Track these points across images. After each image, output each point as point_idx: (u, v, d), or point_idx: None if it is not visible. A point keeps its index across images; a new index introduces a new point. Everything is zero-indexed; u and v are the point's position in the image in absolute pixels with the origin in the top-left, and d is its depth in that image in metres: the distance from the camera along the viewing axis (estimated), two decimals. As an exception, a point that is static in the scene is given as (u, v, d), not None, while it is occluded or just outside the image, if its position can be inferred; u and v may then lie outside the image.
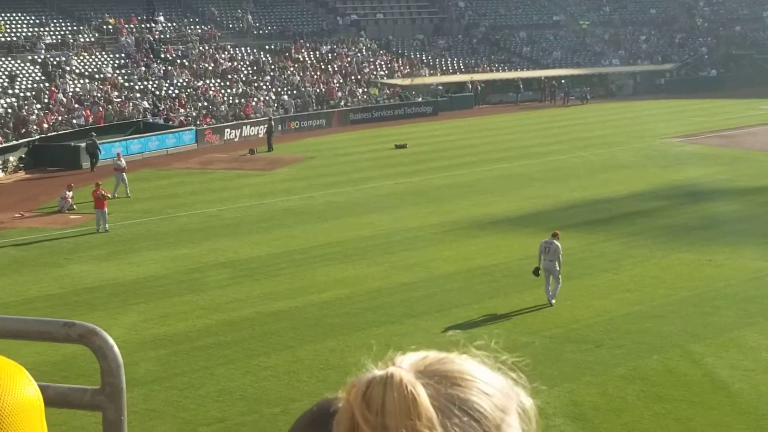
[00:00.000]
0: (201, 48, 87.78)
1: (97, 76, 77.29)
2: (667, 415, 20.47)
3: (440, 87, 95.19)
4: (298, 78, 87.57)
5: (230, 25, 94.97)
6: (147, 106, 73.75)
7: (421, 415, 1.66)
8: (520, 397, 1.79)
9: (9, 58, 74.23)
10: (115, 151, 58.80)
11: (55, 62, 76.37)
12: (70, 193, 46.35)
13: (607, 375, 22.83)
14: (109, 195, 42.21)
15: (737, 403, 21.11)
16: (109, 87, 75.24)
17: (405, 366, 1.76)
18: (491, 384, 1.75)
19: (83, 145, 60.83)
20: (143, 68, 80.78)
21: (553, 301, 28.79)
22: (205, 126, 72.18)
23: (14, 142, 61.02)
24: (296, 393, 22.11)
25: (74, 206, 45.97)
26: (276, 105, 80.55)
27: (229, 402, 21.88)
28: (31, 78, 73.04)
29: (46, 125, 65.53)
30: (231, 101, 79.30)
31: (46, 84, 72.43)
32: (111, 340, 2.46)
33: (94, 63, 79.40)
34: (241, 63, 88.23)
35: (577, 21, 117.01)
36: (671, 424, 20.02)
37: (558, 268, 28.89)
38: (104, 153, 59.92)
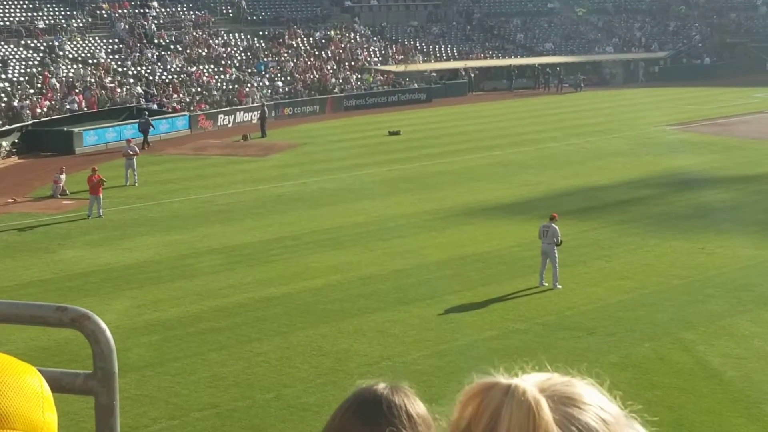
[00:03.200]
0: (194, 33, 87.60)
1: (90, 61, 77.12)
2: (659, 402, 20.49)
3: (434, 74, 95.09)
4: (292, 64, 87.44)
5: (224, 11, 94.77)
6: (140, 91, 73.62)
7: (540, 428, 1.70)
8: (635, 426, 1.88)
9: (2, 43, 74.02)
10: (107, 136, 58.81)
11: (48, 47, 76.17)
12: (62, 177, 46.26)
13: (599, 362, 22.79)
14: (106, 180, 42.00)
15: (729, 390, 21.15)
16: (103, 72, 75.08)
17: (529, 382, 1.78)
18: (609, 411, 1.81)
19: (136, 122, 63.31)
20: (137, 53, 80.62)
21: (559, 285, 28.84)
22: (199, 112, 72.08)
23: (7, 128, 60.89)
24: (289, 379, 22.13)
25: (67, 191, 45.89)
26: (270, 91, 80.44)
27: (222, 388, 21.89)
28: (24, 63, 72.83)
29: (39, 110, 65.37)
30: (224, 87, 79.18)
31: (39, 69, 72.24)
32: (103, 325, 2.45)
33: (87, 48, 79.23)
34: (235, 49, 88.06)
35: (572, 8, 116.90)
36: (663, 412, 20.03)
37: (556, 253, 28.99)
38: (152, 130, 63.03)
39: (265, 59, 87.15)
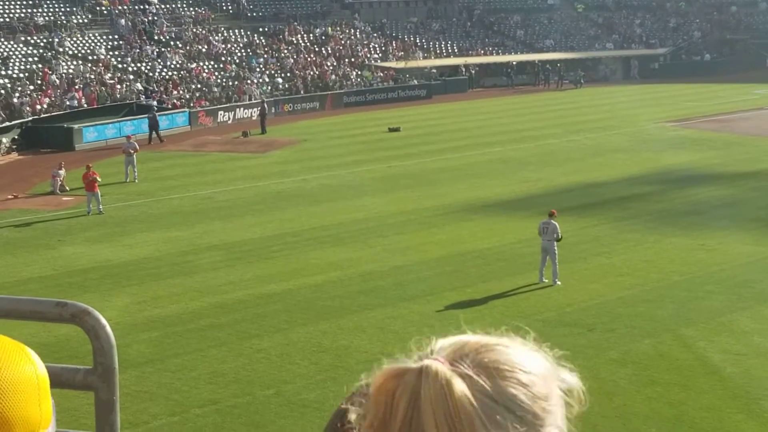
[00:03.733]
0: (194, 30, 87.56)
1: (90, 57, 77.09)
2: (659, 398, 20.51)
3: (434, 70, 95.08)
4: (292, 61, 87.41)
5: (224, 7, 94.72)
6: (140, 87, 73.61)
7: (458, 411, 1.61)
8: (563, 376, 1.75)
9: (2, 40, 73.99)
10: (107, 133, 58.82)
11: (48, 44, 76.15)
12: (61, 172, 46.27)
13: (599, 358, 22.85)
14: (100, 179, 41.96)
15: (729, 387, 21.15)
16: (102, 69, 75.05)
17: (442, 356, 1.69)
18: (532, 372, 1.69)
19: (144, 118, 64.39)
20: (137, 50, 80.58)
21: (558, 282, 28.87)
22: (199, 108, 72.05)
23: (7, 124, 60.88)
24: (289, 375, 22.13)
25: (67, 187, 45.91)
26: (270, 88, 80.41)
27: (222, 384, 21.89)
28: (24, 60, 72.79)
29: (39, 107, 65.36)
30: (224, 83, 79.15)
31: (39, 66, 72.22)
32: (103, 320, 2.45)
33: (87, 44, 79.19)
34: (235, 45, 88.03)
35: (572, 5, 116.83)
36: (663, 408, 20.06)
37: (556, 250, 29.01)
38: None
39: (260, 54, 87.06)
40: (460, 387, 1.62)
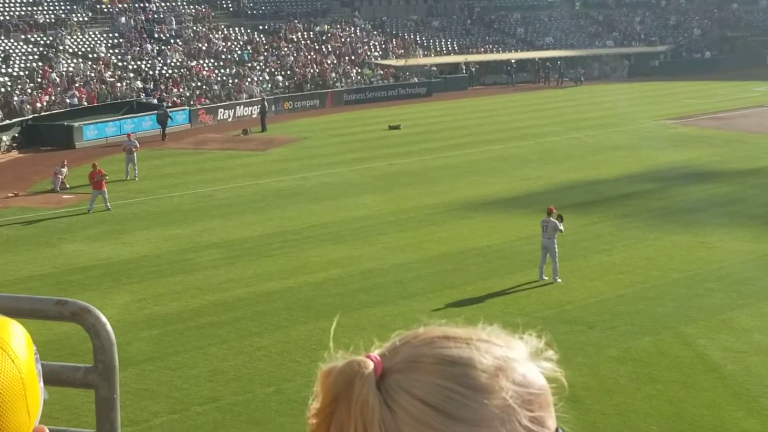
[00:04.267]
0: (194, 28, 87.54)
1: (90, 55, 77.07)
2: (659, 396, 20.52)
3: (434, 68, 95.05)
4: (292, 58, 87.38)
5: (224, 5, 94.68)
6: (140, 85, 73.60)
7: (370, 411, 1.57)
8: (515, 369, 1.60)
9: (2, 38, 73.97)
10: (107, 131, 58.80)
11: (48, 42, 76.15)
12: (64, 170, 46.29)
13: (599, 356, 22.86)
14: (107, 175, 41.99)
15: (729, 384, 21.16)
16: (103, 66, 75.04)
17: (377, 352, 1.67)
18: (467, 365, 1.58)
19: (155, 114, 65.20)
20: (137, 48, 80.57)
21: (559, 279, 28.87)
22: (199, 106, 72.02)
23: (7, 122, 60.87)
24: (289, 373, 22.13)
25: (67, 185, 45.92)
26: (270, 85, 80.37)
27: (222, 382, 21.89)
28: (24, 58, 72.78)
29: (39, 105, 65.36)
30: (224, 81, 79.12)
31: (40, 64, 72.22)
32: (104, 318, 2.45)
33: (87, 43, 79.18)
34: (235, 43, 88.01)
35: (571, 2, 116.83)
36: (663, 405, 20.06)
37: (556, 248, 29.04)
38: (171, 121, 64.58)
39: (260, 52, 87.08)
40: (369, 386, 1.59)
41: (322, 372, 1.69)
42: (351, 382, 1.61)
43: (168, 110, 65.36)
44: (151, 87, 73.88)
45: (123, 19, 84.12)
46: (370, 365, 1.63)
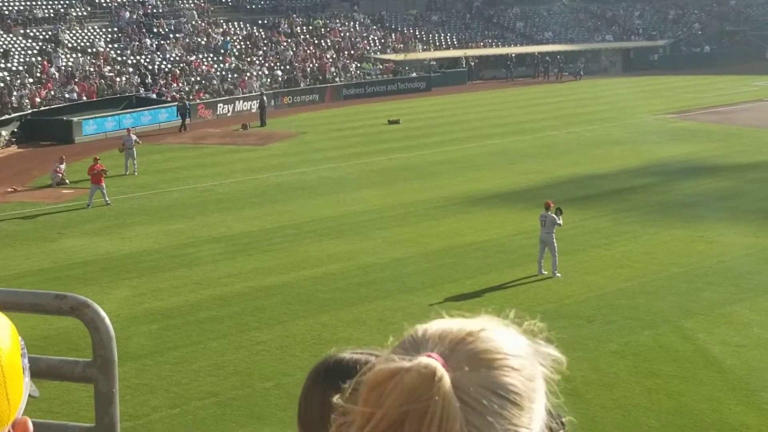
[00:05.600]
0: (194, 22, 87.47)
1: (89, 50, 77.02)
2: (658, 390, 20.52)
3: (433, 62, 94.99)
4: (291, 53, 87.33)
5: (223, 0, 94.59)
6: (139, 80, 73.56)
7: (453, 408, 1.59)
8: (548, 351, 1.74)
9: (1, 33, 73.91)
10: (106, 125, 58.77)
11: (47, 37, 76.10)
12: (62, 166, 46.27)
13: (599, 350, 22.87)
14: (107, 171, 41.97)
15: (728, 378, 21.17)
16: (102, 61, 74.99)
17: (436, 352, 1.65)
18: (519, 355, 1.68)
19: (175, 106, 67.14)
20: (136, 43, 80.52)
21: (558, 274, 28.88)
22: (198, 101, 71.96)
23: (6, 117, 60.82)
24: (289, 368, 22.12)
25: (66, 180, 45.91)
26: (269, 80, 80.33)
27: (222, 376, 21.90)
28: (23, 52, 72.72)
29: (38, 99, 65.32)
30: (224, 76, 79.08)
31: (39, 58, 72.17)
32: (102, 313, 2.46)
33: (86, 37, 79.12)
34: (234, 38, 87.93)
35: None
36: (663, 399, 20.07)
37: (555, 242, 29.06)
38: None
39: (260, 46, 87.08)
40: (460, 381, 1.61)
41: (383, 375, 1.64)
42: (428, 384, 1.61)
43: (188, 103, 67.18)
44: (149, 82, 73.82)
45: (127, 14, 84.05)
46: (440, 361, 1.64)
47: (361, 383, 1.66)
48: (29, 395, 1.95)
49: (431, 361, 1.63)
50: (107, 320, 2.46)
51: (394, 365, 1.64)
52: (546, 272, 29.10)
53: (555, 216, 29.29)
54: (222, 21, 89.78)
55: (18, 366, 1.90)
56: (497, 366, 1.65)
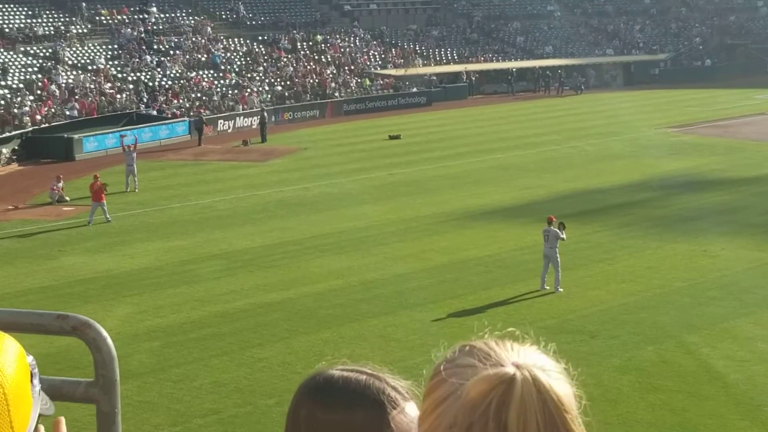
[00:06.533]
0: (194, 39, 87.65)
1: (90, 67, 77.14)
2: (662, 405, 20.48)
3: (434, 77, 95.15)
4: (291, 68, 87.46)
5: (223, 16, 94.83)
6: (140, 97, 73.67)
7: (560, 413, 1.84)
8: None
9: (1, 50, 74.05)
10: (107, 142, 58.85)
11: (47, 54, 76.23)
12: (60, 184, 46.31)
13: (602, 365, 22.82)
14: (107, 188, 41.96)
15: (732, 393, 21.11)
16: (102, 78, 75.11)
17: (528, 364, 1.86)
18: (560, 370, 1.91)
19: (191, 120, 69.37)
20: (136, 59, 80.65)
21: (561, 289, 28.84)
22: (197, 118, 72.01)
23: (7, 134, 60.91)
24: (291, 384, 22.03)
25: (66, 197, 45.95)
26: (270, 95, 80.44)
27: (224, 394, 21.86)
28: (23, 70, 72.85)
29: (39, 117, 65.41)
30: (224, 92, 79.19)
31: (39, 76, 72.28)
32: (104, 332, 2.43)
33: (87, 54, 79.26)
34: (235, 54, 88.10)
35: (571, 11, 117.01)
36: (666, 415, 20.02)
37: (558, 257, 29.01)
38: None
39: (260, 62, 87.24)
40: (561, 390, 1.85)
41: (484, 380, 1.83)
42: (510, 388, 1.81)
43: (204, 118, 69.48)
44: (147, 99, 73.93)
45: (129, 30, 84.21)
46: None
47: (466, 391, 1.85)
48: (43, 414, 1.93)
49: (504, 369, 1.85)
50: (109, 340, 2.43)
51: (496, 371, 1.85)
52: (548, 287, 29.08)
53: (558, 230, 29.26)
54: (222, 37, 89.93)
55: (24, 391, 1.89)
56: (558, 378, 1.89)
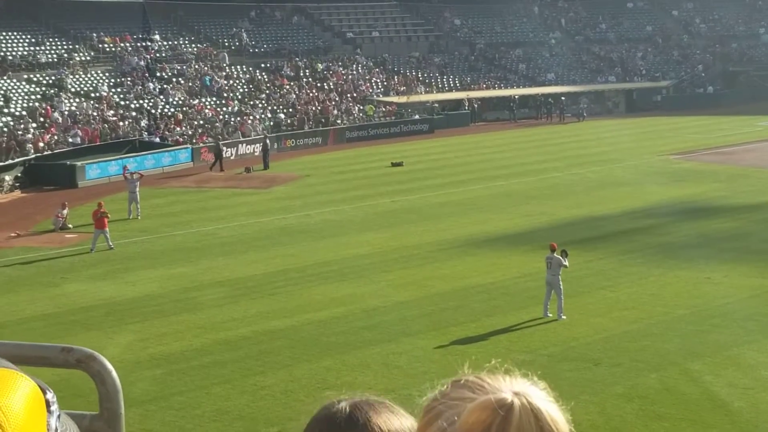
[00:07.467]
0: (197, 66, 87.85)
1: (93, 94, 77.29)
2: (666, 433, 20.41)
3: (436, 104, 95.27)
4: (294, 96, 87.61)
5: (226, 44, 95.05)
6: (143, 124, 73.78)
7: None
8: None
9: (5, 78, 74.22)
10: (109, 170, 58.99)
11: (50, 81, 76.41)
12: (64, 211, 46.34)
13: (605, 393, 22.75)
14: (109, 215, 41.92)
15: (736, 421, 21.04)
16: (105, 105, 75.24)
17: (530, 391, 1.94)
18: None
19: (209, 145, 70.57)
20: (139, 87, 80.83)
21: (564, 316, 28.77)
22: (201, 144, 72.17)
23: (10, 162, 61.00)
24: (293, 412, 22.00)
25: (69, 225, 45.98)
26: (271, 122, 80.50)
27: (226, 421, 21.80)
28: (26, 97, 73.01)
29: (42, 144, 65.50)
30: (227, 119, 79.31)
31: (42, 103, 72.42)
32: (109, 365, 2.42)
33: (89, 82, 79.44)
34: (237, 81, 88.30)
35: (573, 38, 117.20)
36: (670, 443, 19.95)
37: (561, 284, 28.96)
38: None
39: (263, 90, 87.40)
40: (557, 416, 1.91)
41: (482, 406, 1.88)
42: (508, 415, 1.86)
43: (221, 144, 69.85)
44: (150, 126, 74.06)
45: (135, 59, 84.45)
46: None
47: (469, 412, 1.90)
48: None
49: (502, 396, 1.91)
50: (114, 373, 2.42)
51: (495, 397, 1.90)
52: (551, 315, 29.02)
53: (561, 258, 29.22)
54: (225, 65, 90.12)
55: (33, 429, 1.85)
56: (551, 402, 1.99)
